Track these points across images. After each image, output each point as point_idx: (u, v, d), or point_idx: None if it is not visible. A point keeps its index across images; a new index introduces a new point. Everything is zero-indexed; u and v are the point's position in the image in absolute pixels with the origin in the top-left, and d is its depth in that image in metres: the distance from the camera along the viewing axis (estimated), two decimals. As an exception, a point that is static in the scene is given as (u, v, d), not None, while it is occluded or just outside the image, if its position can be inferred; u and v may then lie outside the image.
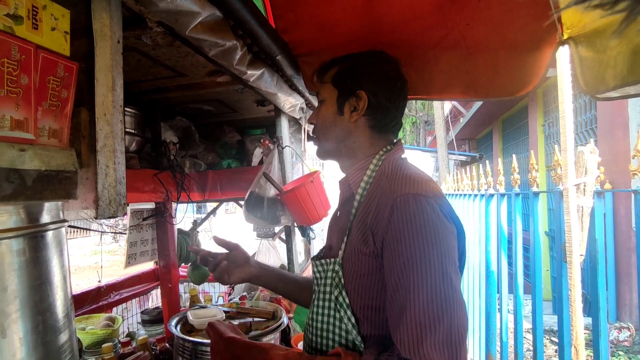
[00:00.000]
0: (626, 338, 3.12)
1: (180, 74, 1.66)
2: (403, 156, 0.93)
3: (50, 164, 0.68)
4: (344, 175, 0.99)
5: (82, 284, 7.14)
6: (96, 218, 0.76)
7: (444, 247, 0.71)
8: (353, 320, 0.80)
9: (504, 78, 1.25)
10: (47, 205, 0.56)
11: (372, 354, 0.74)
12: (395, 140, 0.96)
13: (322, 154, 1.01)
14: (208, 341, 1.22)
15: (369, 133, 0.93)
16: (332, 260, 0.86)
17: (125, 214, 0.81)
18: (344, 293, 0.82)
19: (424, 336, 0.65)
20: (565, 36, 1.12)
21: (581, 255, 1.47)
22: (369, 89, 0.91)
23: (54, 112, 0.70)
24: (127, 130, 1.70)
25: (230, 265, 1.09)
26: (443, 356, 0.64)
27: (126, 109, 1.75)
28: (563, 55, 1.32)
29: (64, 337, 0.55)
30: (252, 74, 1.42)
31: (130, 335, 2.14)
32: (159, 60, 1.50)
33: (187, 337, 1.23)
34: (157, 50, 1.40)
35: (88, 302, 1.93)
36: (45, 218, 0.57)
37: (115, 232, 6.87)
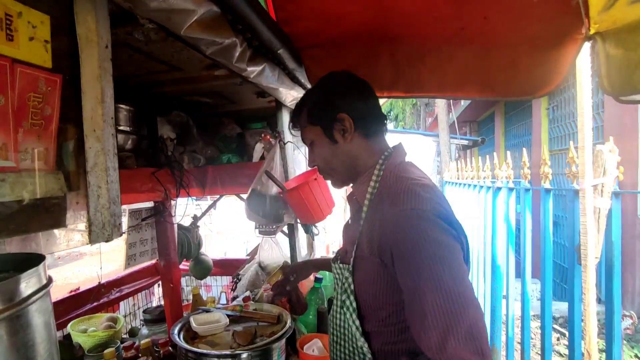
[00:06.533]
0: (628, 326, 3.12)
1: (176, 68, 1.57)
2: (405, 159, 0.98)
3: (35, 191, 0.62)
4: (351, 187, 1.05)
5: (84, 270, 7.18)
6: (90, 244, 0.70)
7: (449, 253, 0.75)
8: (357, 323, 0.90)
9: (524, 76, 1.17)
10: (25, 275, 0.48)
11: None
12: (392, 145, 1.01)
13: (340, 185, 1.05)
14: (213, 352, 1.20)
15: (366, 142, 0.98)
16: (346, 266, 0.94)
17: (122, 233, 0.75)
18: (351, 298, 0.91)
19: (447, 336, 0.69)
20: (592, 31, 1.03)
21: (596, 257, 1.43)
22: (344, 107, 0.95)
23: (37, 132, 0.64)
24: (121, 128, 1.61)
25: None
26: (469, 349, 0.68)
27: (120, 105, 1.66)
28: (583, 49, 1.24)
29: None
30: (253, 70, 1.34)
31: (133, 331, 2.12)
32: (153, 55, 1.40)
33: (191, 348, 1.20)
34: (150, 46, 1.31)
35: (89, 301, 1.90)
36: (24, 291, 0.48)
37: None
